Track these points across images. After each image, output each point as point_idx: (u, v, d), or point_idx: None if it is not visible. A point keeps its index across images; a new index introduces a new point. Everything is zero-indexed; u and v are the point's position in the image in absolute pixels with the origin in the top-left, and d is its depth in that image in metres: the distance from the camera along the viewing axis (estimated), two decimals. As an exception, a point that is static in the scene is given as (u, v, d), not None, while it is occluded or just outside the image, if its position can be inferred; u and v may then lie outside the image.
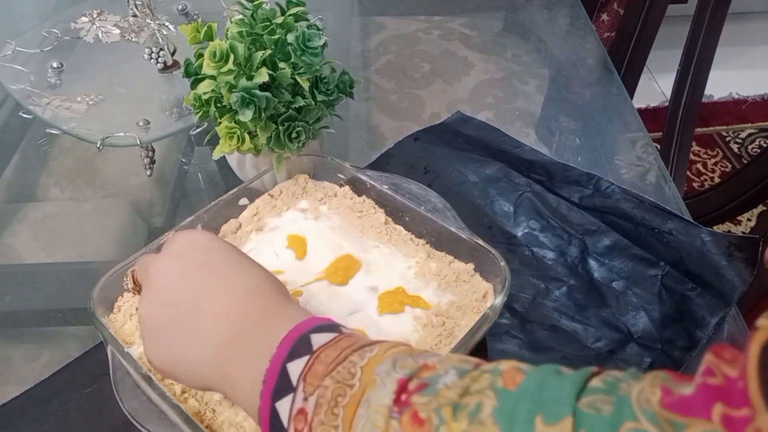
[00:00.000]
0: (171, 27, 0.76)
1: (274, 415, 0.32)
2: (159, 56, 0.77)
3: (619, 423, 0.23)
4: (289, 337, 0.33)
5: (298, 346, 0.33)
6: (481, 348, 0.54)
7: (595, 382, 0.26)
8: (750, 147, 1.84)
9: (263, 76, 0.55)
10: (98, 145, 0.67)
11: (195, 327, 0.37)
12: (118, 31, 0.81)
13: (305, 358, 0.32)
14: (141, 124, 0.71)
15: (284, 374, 0.32)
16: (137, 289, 0.44)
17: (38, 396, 0.51)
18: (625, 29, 1.12)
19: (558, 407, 0.24)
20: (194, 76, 0.59)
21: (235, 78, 0.55)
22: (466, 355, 0.30)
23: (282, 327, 0.34)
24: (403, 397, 0.28)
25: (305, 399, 0.31)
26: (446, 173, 0.71)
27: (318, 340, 0.33)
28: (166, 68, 0.78)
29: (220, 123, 0.59)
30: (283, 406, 0.31)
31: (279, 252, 0.55)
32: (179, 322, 0.37)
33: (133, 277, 0.44)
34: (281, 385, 0.32)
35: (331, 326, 0.34)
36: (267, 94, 0.55)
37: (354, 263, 0.54)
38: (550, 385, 0.26)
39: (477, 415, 0.25)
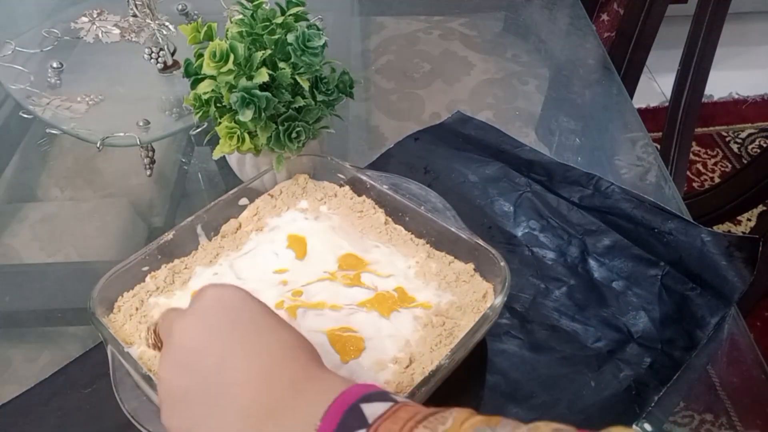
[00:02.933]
0: (171, 27, 0.76)
1: None
2: (159, 56, 0.77)
3: None
4: (336, 407, 0.30)
5: (349, 418, 0.29)
6: (481, 348, 0.54)
7: None
8: (750, 147, 1.84)
9: (263, 76, 0.55)
10: (98, 145, 0.67)
11: (218, 397, 0.33)
12: (118, 31, 0.81)
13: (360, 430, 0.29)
14: (141, 124, 0.71)
15: None
16: (159, 345, 0.40)
17: (38, 396, 0.51)
18: (625, 29, 1.11)
19: None
20: (194, 76, 0.59)
21: (235, 78, 0.55)
22: (556, 423, 0.27)
23: (322, 397, 0.31)
24: None
25: None
26: (446, 173, 0.71)
27: (372, 410, 0.30)
28: (166, 68, 0.78)
29: (220, 123, 0.59)
30: None
31: (279, 252, 0.55)
32: (201, 391, 0.33)
33: (155, 332, 0.40)
34: None
35: (380, 394, 0.31)
36: (267, 94, 0.55)
37: (360, 262, 0.54)
38: None
39: None
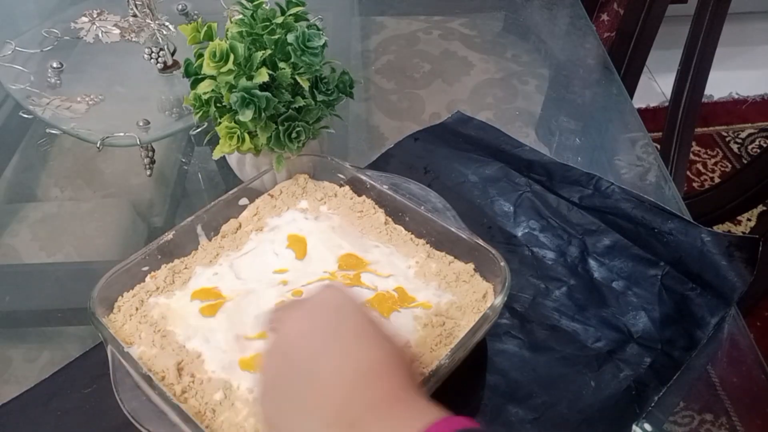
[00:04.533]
0: (171, 27, 0.76)
1: None
2: (159, 56, 0.77)
3: None
4: None
5: None
6: (481, 348, 0.54)
7: None
8: (750, 147, 1.84)
9: (263, 76, 0.55)
10: (98, 145, 0.67)
11: (306, 394, 0.34)
12: (118, 31, 0.81)
13: None
14: (141, 124, 0.70)
15: None
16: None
17: (38, 396, 0.51)
18: (625, 29, 1.12)
19: None
20: (194, 76, 0.59)
21: (235, 78, 0.55)
22: None
23: (405, 424, 0.31)
24: None
25: None
26: (446, 173, 0.71)
27: None
28: (166, 68, 0.78)
29: (220, 123, 0.59)
30: None
31: (279, 252, 0.55)
32: (293, 383, 0.35)
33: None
34: None
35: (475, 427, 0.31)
36: (267, 94, 0.55)
37: (360, 262, 0.54)
38: None
39: None
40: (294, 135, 0.58)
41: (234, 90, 0.55)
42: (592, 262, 0.61)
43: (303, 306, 0.39)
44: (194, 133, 0.73)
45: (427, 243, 0.56)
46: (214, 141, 0.60)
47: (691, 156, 1.78)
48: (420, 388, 0.35)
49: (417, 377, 0.36)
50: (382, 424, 0.32)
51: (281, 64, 0.57)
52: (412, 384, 0.35)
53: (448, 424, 0.30)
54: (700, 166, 1.78)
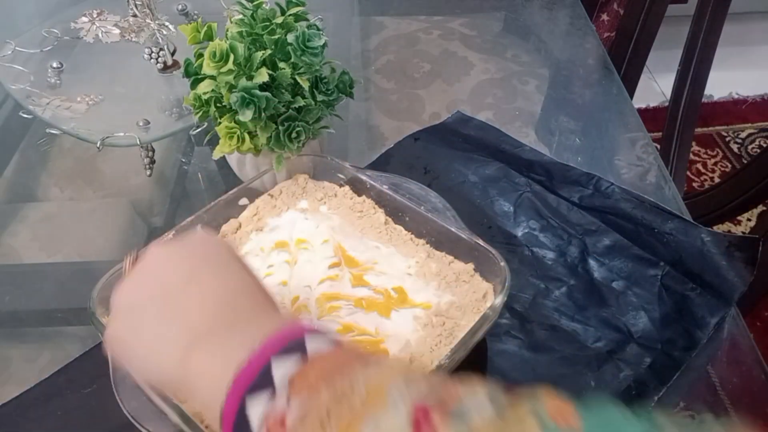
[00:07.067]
0: (171, 27, 0.76)
1: (241, 413, 0.28)
2: (159, 56, 0.77)
3: None
4: (281, 334, 0.30)
5: (292, 346, 0.30)
6: (481, 348, 0.54)
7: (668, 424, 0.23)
8: (750, 147, 1.84)
9: (263, 76, 0.55)
10: (98, 145, 0.67)
11: (174, 310, 0.34)
12: (118, 31, 0.81)
13: (297, 356, 0.29)
14: (141, 124, 0.70)
15: (267, 370, 0.29)
16: None
17: (38, 396, 0.51)
18: (625, 29, 1.11)
19: None
20: (194, 76, 0.59)
21: (235, 78, 0.55)
22: (493, 384, 0.26)
23: (271, 325, 0.32)
24: (425, 427, 0.24)
25: (288, 402, 0.27)
26: (446, 173, 0.71)
27: (314, 345, 0.30)
28: (166, 68, 0.78)
29: (220, 123, 0.59)
30: (256, 405, 0.28)
31: (279, 252, 0.55)
32: (160, 302, 0.35)
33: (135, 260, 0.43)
34: (259, 382, 0.28)
35: (327, 335, 0.32)
36: (267, 94, 0.55)
37: (360, 262, 0.54)
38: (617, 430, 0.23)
39: None
40: (294, 135, 0.58)
41: (234, 90, 0.55)
42: (592, 262, 0.61)
43: (165, 242, 0.41)
44: (194, 133, 0.73)
45: (427, 243, 0.56)
46: (214, 141, 0.60)
47: (691, 156, 1.78)
48: (278, 310, 0.37)
49: (274, 307, 0.37)
50: (252, 325, 0.33)
51: (281, 64, 0.57)
52: (268, 309, 0.36)
53: (307, 326, 0.32)
54: (700, 166, 1.78)
